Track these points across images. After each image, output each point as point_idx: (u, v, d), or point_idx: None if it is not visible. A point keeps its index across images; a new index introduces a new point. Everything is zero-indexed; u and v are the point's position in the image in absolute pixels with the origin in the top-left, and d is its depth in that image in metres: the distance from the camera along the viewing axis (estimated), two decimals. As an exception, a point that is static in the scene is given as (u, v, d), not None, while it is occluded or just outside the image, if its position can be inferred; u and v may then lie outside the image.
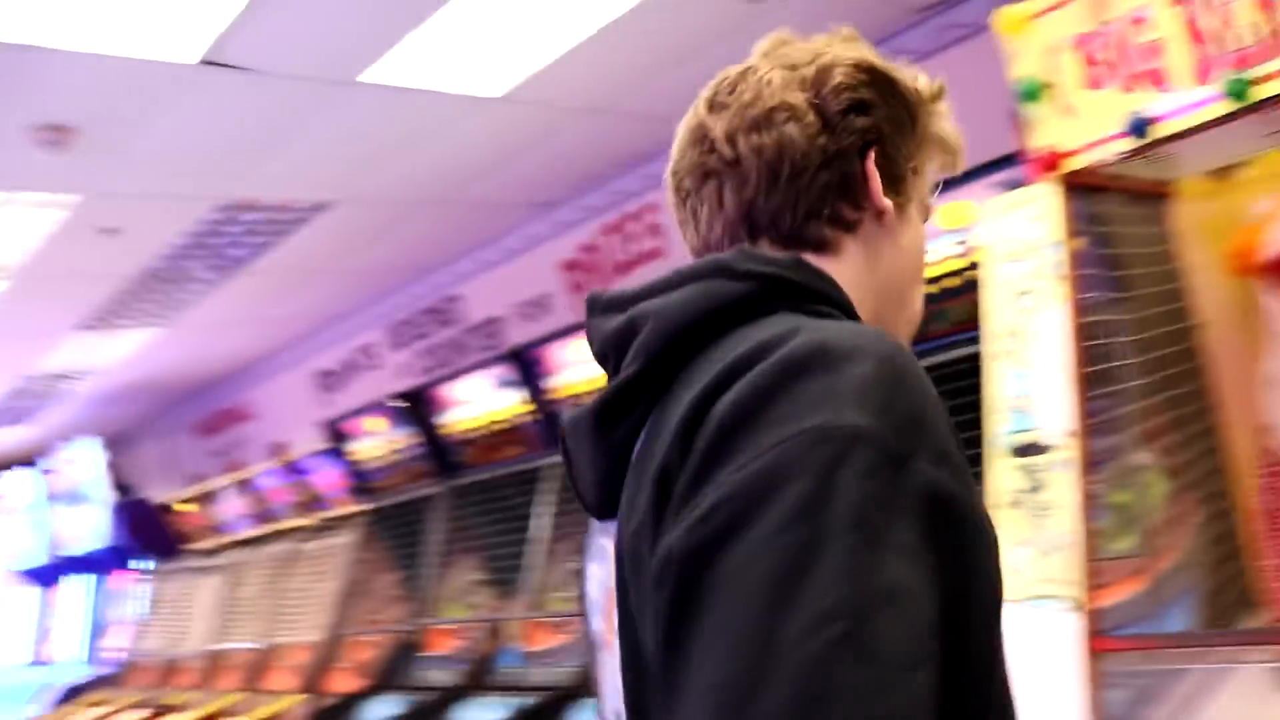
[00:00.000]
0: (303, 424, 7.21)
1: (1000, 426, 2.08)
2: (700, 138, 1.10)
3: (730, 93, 1.10)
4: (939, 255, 3.02)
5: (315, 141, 4.54)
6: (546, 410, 4.61)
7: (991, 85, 2.33)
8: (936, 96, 1.17)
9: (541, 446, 4.72)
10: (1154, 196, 2.75)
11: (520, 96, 4.45)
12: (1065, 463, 1.99)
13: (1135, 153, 2.08)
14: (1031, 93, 2.16)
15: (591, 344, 1.05)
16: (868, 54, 1.12)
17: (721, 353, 0.88)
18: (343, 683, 5.15)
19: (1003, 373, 2.10)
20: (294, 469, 6.62)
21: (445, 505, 5.34)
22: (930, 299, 3.19)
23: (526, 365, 4.65)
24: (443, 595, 5.23)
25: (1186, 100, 2.00)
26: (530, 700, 4.01)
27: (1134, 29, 2.04)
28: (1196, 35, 1.99)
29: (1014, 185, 2.31)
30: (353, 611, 5.65)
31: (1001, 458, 2.07)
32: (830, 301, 0.98)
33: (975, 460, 2.14)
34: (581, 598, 1.18)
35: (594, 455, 0.98)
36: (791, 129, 1.05)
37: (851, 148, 1.06)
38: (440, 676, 4.64)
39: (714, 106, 1.10)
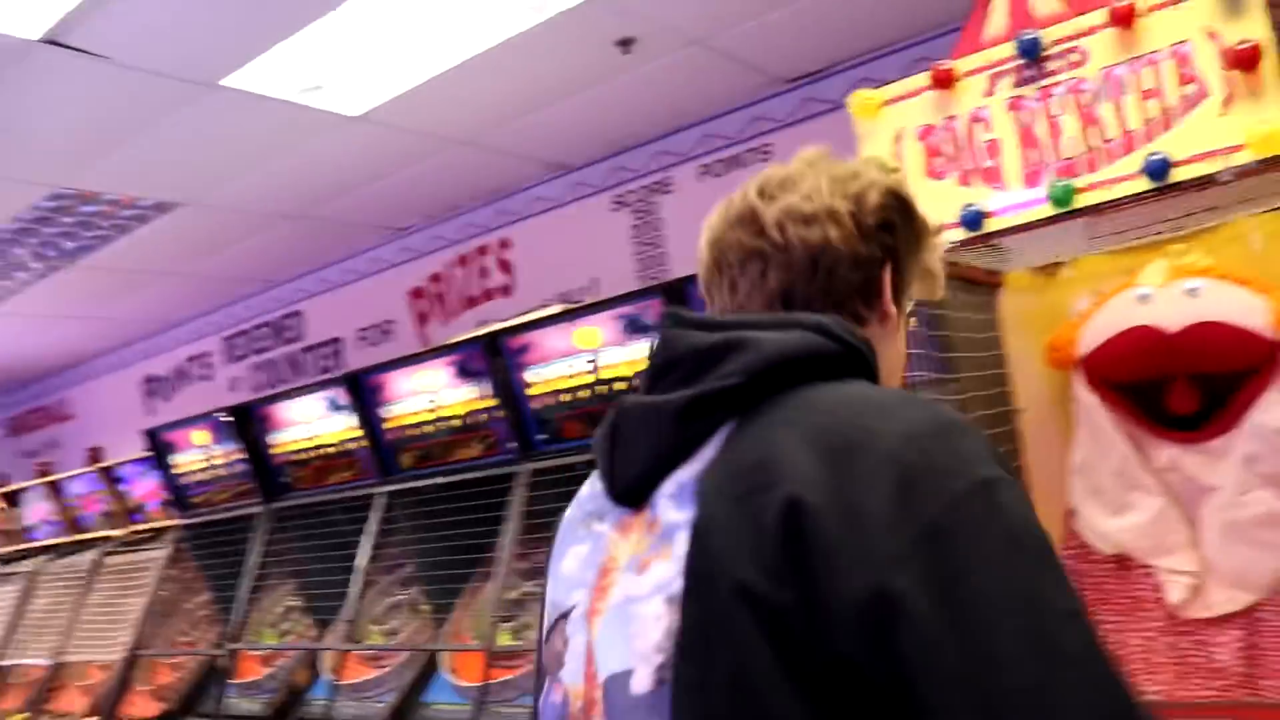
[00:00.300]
0: (124, 430, 6.91)
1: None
2: (750, 219, 1.24)
3: (781, 187, 1.24)
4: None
5: (166, 140, 4.39)
6: (379, 438, 4.53)
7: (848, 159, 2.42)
8: (936, 232, 1.37)
9: (371, 474, 4.62)
10: (985, 285, 2.89)
11: (381, 118, 4.41)
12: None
13: (967, 243, 2.19)
14: (877, 175, 2.25)
15: (666, 348, 1.17)
16: (899, 179, 1.31)
17: (820, 400, 1.06)
18: (139, 707, 4.90)
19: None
20: (110, 476, 6.32)
21: (266, 526, 5.17)
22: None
23: (363, 390, 4.55)
24: (256, 620, 5.04)
25: (1016, 200, 2.12)
26: (339, 735, 3.90)
27: (974, 127, 2.16)
28: (1029, 140, 2.11)
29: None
30: (158, 631, 5.40)
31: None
32: (875, 378, 1.17)
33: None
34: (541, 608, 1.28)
35: (660, 443, 1.11)
36: (834, 231, 1.21)
37: (875, 257, 1.23)
38: (247, 705, 4.46)
39: (765, 195, 1.25)
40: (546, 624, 1.24)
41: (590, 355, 3.70)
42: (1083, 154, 2.08)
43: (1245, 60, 1.95)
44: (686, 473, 1.08)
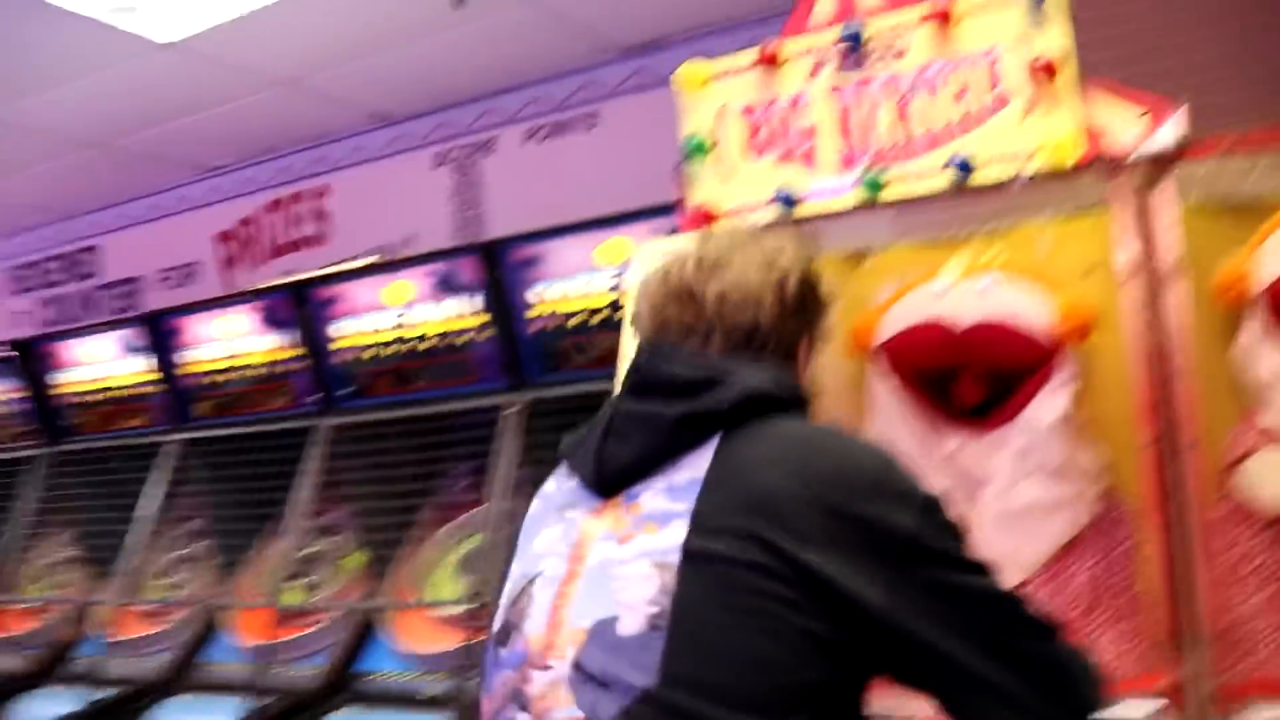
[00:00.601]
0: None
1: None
2: (689, 299, 1.48)
3: (714, 269, 1.48)
4: (592, 289, 3.10)
5: (-50, 48, 4.06)
6: (175, 383, 4.33)
7: (673, 133, 2.42)
8: (836, 299, 1.65)
9: (163, 420, 4.42)
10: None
11: (196, 48, 4.19)
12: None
13: (779, 224, 2.22)
14: (697, 149, 2.27)
15: (643, 371, 1.44)
16: (810, 263, 1.56)
17: (783, 430, 1.36)
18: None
19: (631, 410, 2.17)
20: None
21: (44, 471, 4.88)
22: (577, 330, 3.28)
23: (161, 333, 4.34)
24: (27, 571, 4.75)
25: (828, 185, 2.16)
26: (108, 694, 3.71)
27: (794, 110, 2.20)
28: (845, 128, 2.16)
29: (673, 232, 2.41)
30: (-87, 577, 5.03)
31: (619, 492, 2.14)
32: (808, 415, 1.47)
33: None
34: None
35: (656, 442, 1.35)
36: (763, 315, 1.46)
37: (795, 334, 1.52)
38: (8, 662, 4.20)
39: (700, 276, 1.48)
40: (513, 590, 1.42)
41: (400, 311, 3.62)
42: (894, 146, 2.14)
43: (1045, 71, 2.04)
44: (682, 475, 1.31)
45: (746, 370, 1.39)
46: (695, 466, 1.31)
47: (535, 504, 1.54)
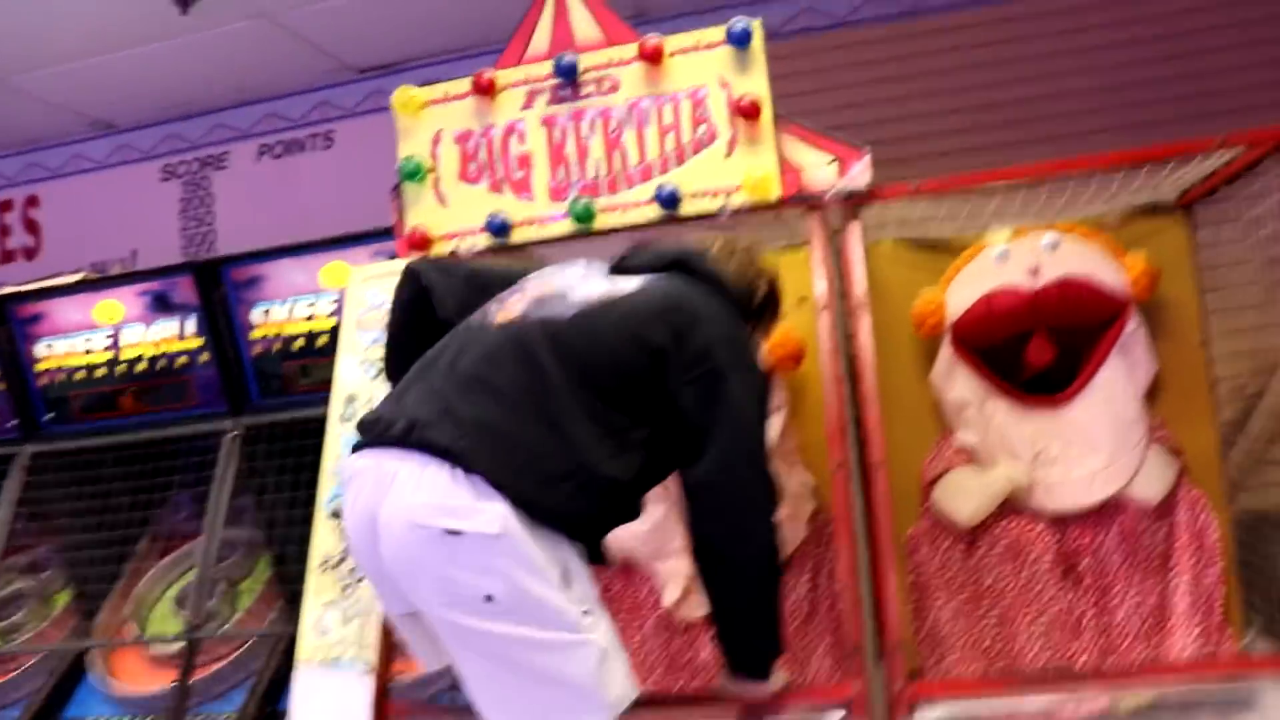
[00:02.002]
0: None
1: (328, 490, 2.11)
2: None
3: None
4: (316, 311, 3.03)
5: None
6: None
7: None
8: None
9: None
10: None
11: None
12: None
13: (491, 250, 2.24)
14: (412, 173, 2.27)
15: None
16: (770, 265, 2.07)
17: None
18: None
19: (339, 437, 2.14)
20: None
21: None
22: (301, 353, 3.18)
23: None
24: None
25: (541, 213, 2.20)
26: None
27: (509, 138, 2.23)
28: (558, 157, 2.21)
29: (392, 257, 2.39)
30: None
31: (324, 520, 2.10)
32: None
33: (307, 519, 2.16)
34: None
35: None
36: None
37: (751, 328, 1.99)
38: None
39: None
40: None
41: (111, 331, 3.43)
42: (605, 177, 2.21)
43: (748, 111, 2.16)
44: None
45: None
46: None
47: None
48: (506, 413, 1.58)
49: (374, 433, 1.62)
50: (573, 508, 1.58)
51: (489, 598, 1.47)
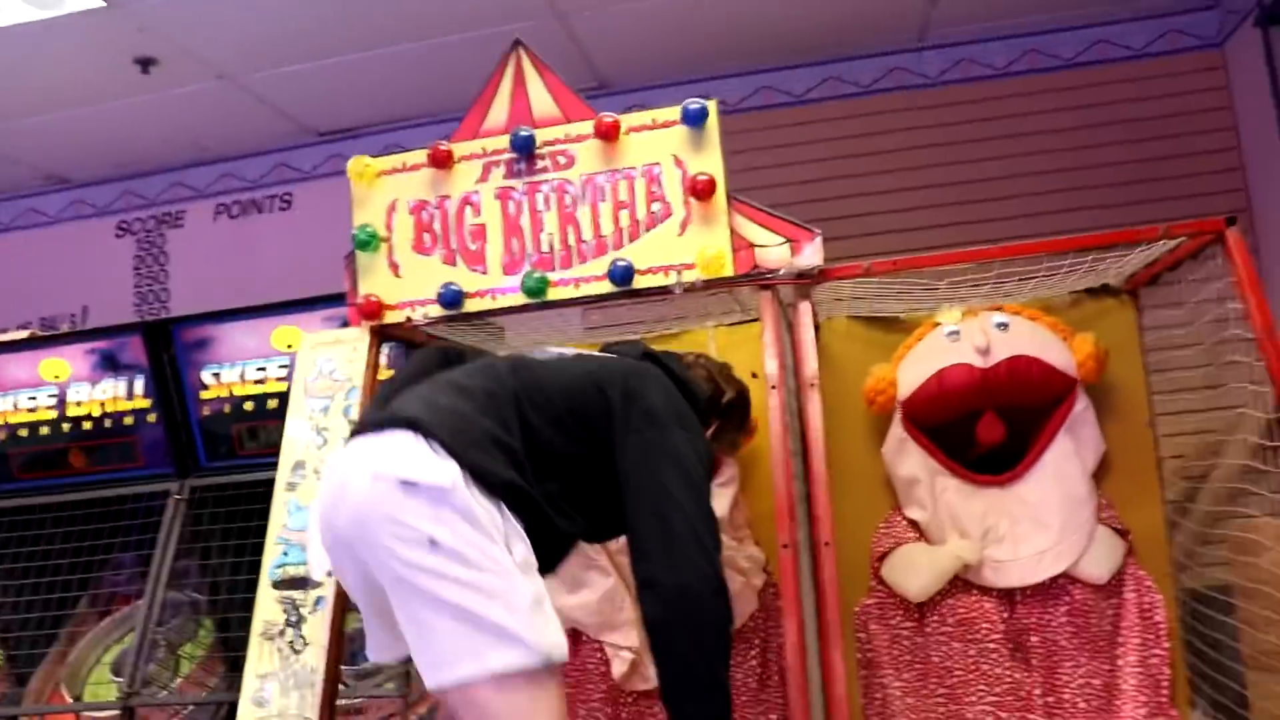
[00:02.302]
0: None
1: (272, 557, 2.08)
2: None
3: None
4: (267, 375, 3.01)
5: None
6: None
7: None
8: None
9: None
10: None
11: None
12: (325, 601, 2.03)
13: (443, 320, 2.24)
14: (366, 242, 2.27)
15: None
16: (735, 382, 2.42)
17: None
18: None
19: (285, 504, 2.12)
20: None
21: None
22: (249, 416, 3.14)
23: None
24: None
25: (495, 284, 2.21)
26: None
27: (463, 210, 2.24)
28: (512, 230, 2.22)
29: (344, 324, 2.38)
30: None
31: (267, 589, 2.07)
32: None
33: (252, 585, 2.12)
34: None
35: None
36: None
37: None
38: None
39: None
40: None
41: (56, 390, 3.37)
42: (559, 251, 2.22)
43: (702, 190, 2.18)
44: None
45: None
46: None
47: None
48: (471, 406, 1.75)
49: (359, 427, 1.79)
50: (518, 480, 1.72)
51: (433, 542, 1.57)
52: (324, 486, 1.76)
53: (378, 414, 1.77)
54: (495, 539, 1.63)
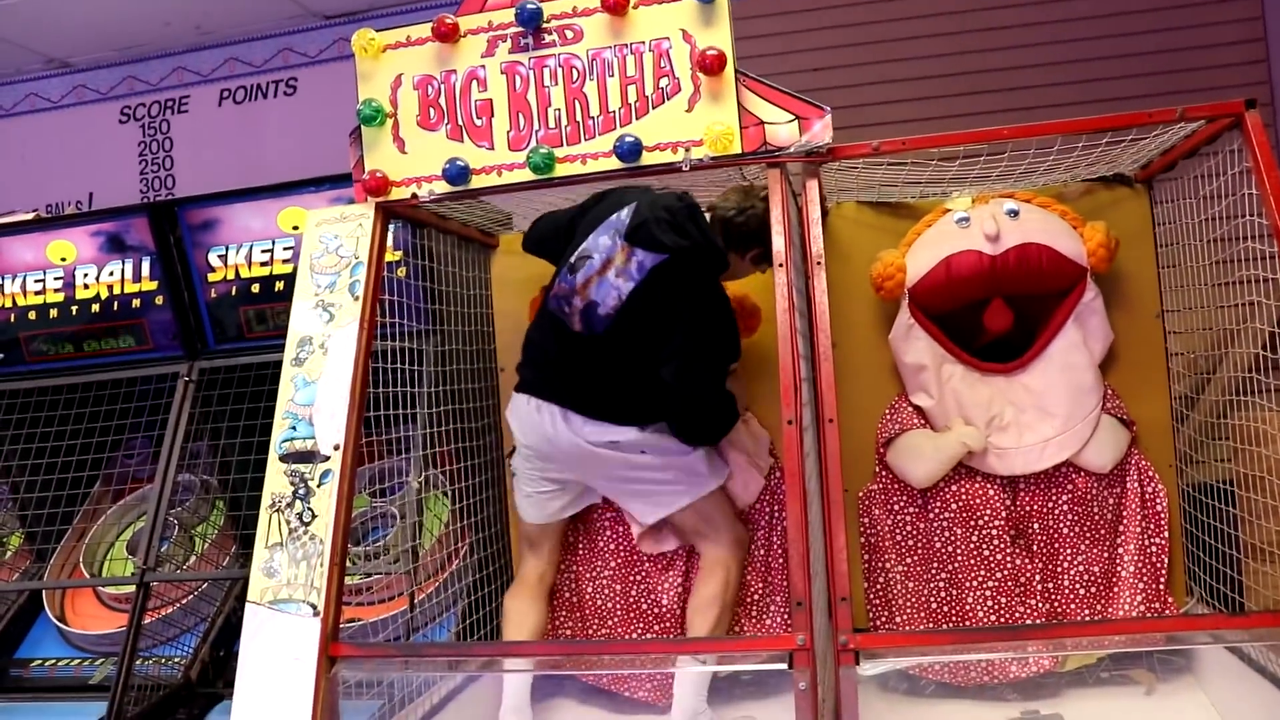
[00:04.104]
0: None
1: (280, 431, 2.10)
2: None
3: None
4: (275, 256, 3.00)
5: None
6: None
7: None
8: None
9: None
10: (479, 244, 2.97)
11: None
12: (332, 474, 2.05)
13: (450, 196, 2.22)
14: (371, 117, 2.23)
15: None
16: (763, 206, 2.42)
17: None
18: None
19: (291, 379, 2.12)
20: None
21: None
22: (256, 298, 3.14)
23: None
24: None
25: (500, 160, 2.18)
26: None
27: (469, 85, 2.20)
28: (519, 106, 2.18)
29: (350, 201, 2.36)
30: None
31: (275, 462, 2.09)
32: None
33: (262, 464, 2.14)
34: None
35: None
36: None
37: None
38: None
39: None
40: (581, 248, 2.52)
41: (64, 272, 3.37)
42: (566, 127, 2.18)
43: (711, 65, 2.14)
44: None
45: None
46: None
47: (601, 209, 2.54)
48: None
49: None
50: None
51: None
52: None
53: None
54: None
